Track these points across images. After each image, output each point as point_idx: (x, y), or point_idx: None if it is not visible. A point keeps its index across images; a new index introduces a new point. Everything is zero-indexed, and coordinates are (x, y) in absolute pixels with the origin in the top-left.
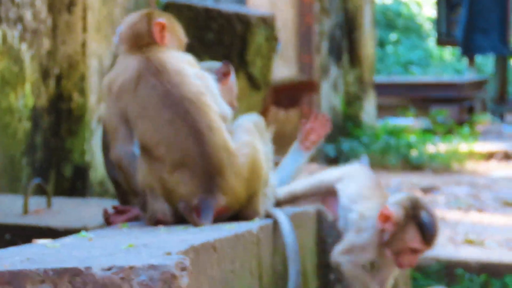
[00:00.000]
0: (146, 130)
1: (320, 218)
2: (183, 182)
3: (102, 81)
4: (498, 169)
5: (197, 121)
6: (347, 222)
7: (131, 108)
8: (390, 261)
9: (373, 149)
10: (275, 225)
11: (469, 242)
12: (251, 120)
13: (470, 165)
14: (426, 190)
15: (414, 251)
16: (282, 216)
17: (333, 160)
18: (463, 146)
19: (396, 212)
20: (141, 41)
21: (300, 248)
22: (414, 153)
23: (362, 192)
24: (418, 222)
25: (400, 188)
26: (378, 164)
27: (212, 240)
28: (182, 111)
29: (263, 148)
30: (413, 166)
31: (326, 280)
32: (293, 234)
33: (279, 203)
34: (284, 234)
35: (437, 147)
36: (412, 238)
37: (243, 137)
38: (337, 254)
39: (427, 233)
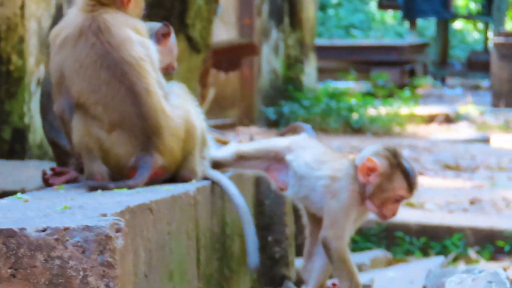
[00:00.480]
0: (82, 89)
1: (258, 181)
2: (121, 142)
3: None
4: (438, 132)
5: (134, 83)
6: (313, 190)
7: (69, 63)
8: (363, 215)
9: (313, 112)
10: (213, 186)
11: (410, 205)
12: (178, 87)
13: (411, 128)
14: None
15: (398, 200)
16: (223, 177)
17: (274, 123)
18: (404, 110)
19: (380, 162)
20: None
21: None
22: (354, 116)
23: (319, 158)
24: (403, 170)
25: (341, 151)
26: (319, 127)
27: (148, 201)
28: (119, 73)
29: (195, 110)
30: (354, 129)
31: (265, 241)
32: (240, 195)
33: (224, 164)
34: (232, 196)
35: (378, 110)
36: (399, 186)
37: (175, 100)
38: (325, 230)
39: (412, 180)
